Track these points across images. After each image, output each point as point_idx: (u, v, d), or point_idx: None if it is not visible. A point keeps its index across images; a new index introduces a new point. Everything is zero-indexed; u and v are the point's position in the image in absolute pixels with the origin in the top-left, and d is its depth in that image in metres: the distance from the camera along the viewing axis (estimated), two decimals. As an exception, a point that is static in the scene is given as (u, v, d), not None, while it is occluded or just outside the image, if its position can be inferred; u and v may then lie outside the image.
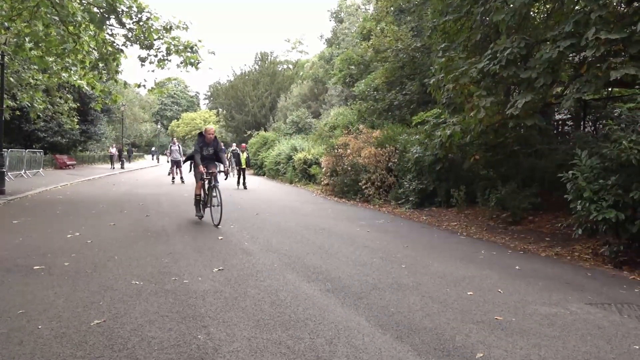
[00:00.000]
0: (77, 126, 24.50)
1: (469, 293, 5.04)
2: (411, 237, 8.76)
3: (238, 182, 19.10)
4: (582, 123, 11.25)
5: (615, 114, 9.77)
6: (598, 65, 6.99)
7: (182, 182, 20.42)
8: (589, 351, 3.59)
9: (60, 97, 21.41)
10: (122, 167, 34.25)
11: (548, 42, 8.07)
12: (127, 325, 3.77)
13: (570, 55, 8.51)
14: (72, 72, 14.54)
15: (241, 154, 19.56)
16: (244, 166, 19.36)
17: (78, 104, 23.09)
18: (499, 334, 3.88)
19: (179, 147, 21.43)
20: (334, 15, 41.52)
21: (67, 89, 22.48)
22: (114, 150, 34.55)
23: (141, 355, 3.25)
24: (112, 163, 34.16)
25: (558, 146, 10.15)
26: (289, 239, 7.86)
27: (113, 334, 3.60)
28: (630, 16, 6.87)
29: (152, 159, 58.56)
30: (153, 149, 63.51)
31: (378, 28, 20.27)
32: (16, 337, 3.50)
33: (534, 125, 8.40)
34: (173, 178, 20.73)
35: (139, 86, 14.21)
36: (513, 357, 3.43)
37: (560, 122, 12.36)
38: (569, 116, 11.98)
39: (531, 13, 10.18)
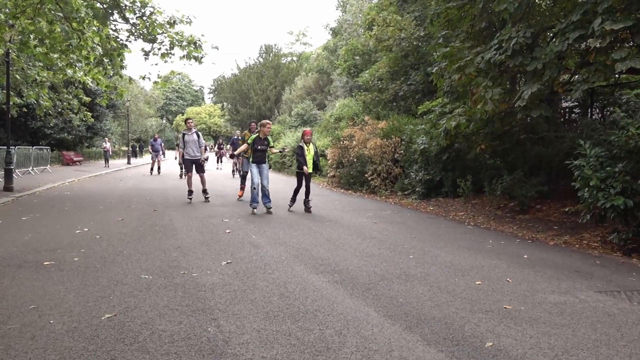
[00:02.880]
0: (92, 119, 24.57)
1: (477, 283, 5.04)
2: (418, 227, 8.75)
3: (293, 200, 10.79)
4: (589, 110, 11.16)
5: (623, 101, 9.71)
6: (606, 53, 6.91)
7: (190, 198, 12.01)
8: (599, 339, 3.59)
9: (68, 93, 21.44)
10: (128, 163, 34.38)
11: (554, 30, 7.98)
12: (138, 319, 3.80)
13: (578, 43, 8.43)
14: (77, 68, 14.57)
15: (306, 147, 10.44)
16: (310, 170, 10.45)
17: (89, 98, 23.06)
18: (508, 322, 3.88)
19: (199, 138, 12.13)
20: (340, 4, 41.33)
21: (75, 85, 22.49)
22: (108, 145, 30.02)
23: (152, 348, 3.27)
24: (106, 160, 29.90)
25: (565, 134, 10.09)
26: (297, 231, 7.88)
27: (124, 327, 3.63)
28: (637, 2, 6.78)
29: (162, 154, 58.58)
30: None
31: (380, 17, 20.10)
32: (28, 332, 3.53)
33: (541, 114, 8.35)
34: (190, 194, 12.01)
35: (144, 78, 14.25)
36: (523, 345, 3.43)
37: (567, 110, 12.27)
38: (576, 103, 11.90)
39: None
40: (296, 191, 10.72)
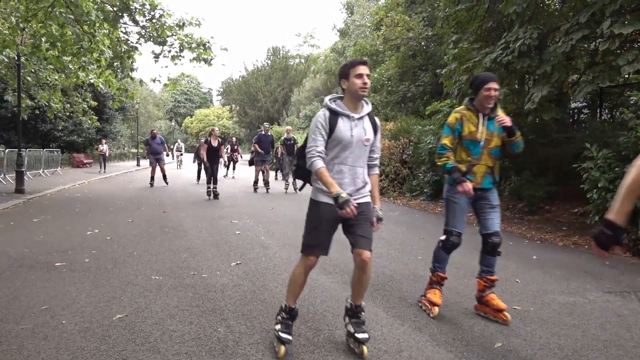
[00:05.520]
0: (97, 124, 24.41)
1: (486, 283, 5.02)
2: (426, 228, 8.74)
3: None
4: (598, 111, 11.09)
5: (632, 102, 9.65)
6: (614, 54, 6.87)
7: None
8: (608, 339, 3.58)
9: (77, 97, 21.61)
10: (137, 165, 34.59)
11: (561, 31, 7.95)
12: (149, 319, 3.83)
13: (585, 44, 8.40)
14: (89, 70, 14.68)
15: None
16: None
17: (96, 103, 23.17)
18: (518, 323, 3.87)
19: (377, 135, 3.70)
20: (346, 7, 41.37)
21: (84, 88, 22.66)
22: (105, 148, 26.21)
23: (163, 349, 3.30)
24: (102, 164, 25.98)
25: (574, 135, 10.03)
26: (305, 233, 7.89)
27: (135, 328, 3.67)
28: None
29: (167, 156, 58.73)
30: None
31: (388, 17, 20.09)
32: (41, 332, 3.57)
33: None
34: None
35: (154, 81, 14.36)
36: (532, 346, 3.43)
37: (576, 111, 12.19)
38: (584, 104, 11.83)
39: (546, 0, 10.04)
40: None
